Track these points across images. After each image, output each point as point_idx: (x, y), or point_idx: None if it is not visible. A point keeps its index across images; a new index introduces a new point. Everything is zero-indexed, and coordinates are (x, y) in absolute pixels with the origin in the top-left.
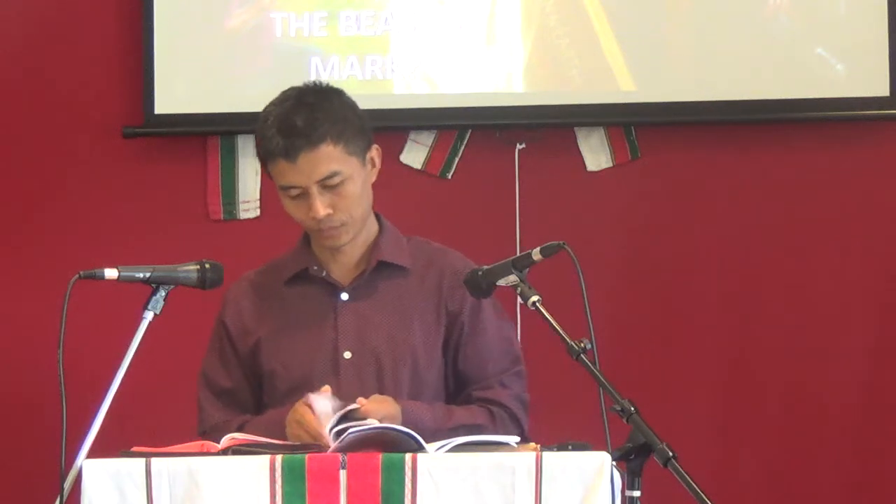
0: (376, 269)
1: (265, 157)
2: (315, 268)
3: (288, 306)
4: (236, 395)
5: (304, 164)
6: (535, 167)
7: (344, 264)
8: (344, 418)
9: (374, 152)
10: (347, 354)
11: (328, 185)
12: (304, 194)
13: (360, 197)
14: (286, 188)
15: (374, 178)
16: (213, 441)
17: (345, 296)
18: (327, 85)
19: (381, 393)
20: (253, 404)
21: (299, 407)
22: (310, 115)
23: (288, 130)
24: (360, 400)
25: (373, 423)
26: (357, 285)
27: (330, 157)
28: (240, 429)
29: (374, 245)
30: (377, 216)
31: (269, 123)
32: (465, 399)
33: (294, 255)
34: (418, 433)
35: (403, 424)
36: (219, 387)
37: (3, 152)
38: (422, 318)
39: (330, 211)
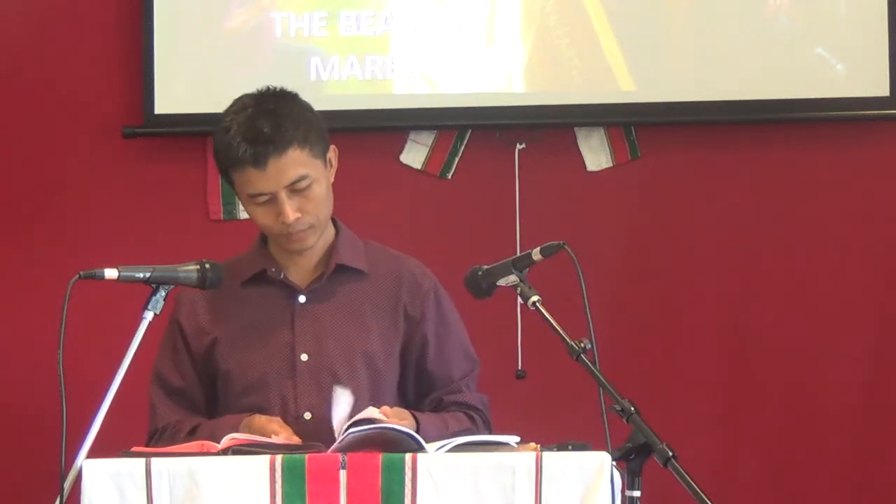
0: (334, 273)
1: (230, 166)
2: (273, 269)
3: (245, 307)
4: (188, 395)
5: (272, 170)
6: (535, 167)
7: (302, 267)
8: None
9: (332, 153)
10: (304, 357)
11: (296, 188)
12: (272, 200)
13: (325, 198)
14: (254, 195)
15: (332, 179)
16: (165, 441)
17: (302, 298)
18: (282, 89)
19: None
20: (205, 404)
21: (264, 422)
22: (274, 120)
23: (254, 138)
24: (385, 409)
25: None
26: (315, 288)
27: (297, 162)
28: (193, 431)
29: (332, 248)
30: (333, 220)
31: (234, 132)
32: (437, 403)
33: (251, 256)
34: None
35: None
36: (171, 386)
37: (3, 152)
38: (379, 322)
39: (299, 215)
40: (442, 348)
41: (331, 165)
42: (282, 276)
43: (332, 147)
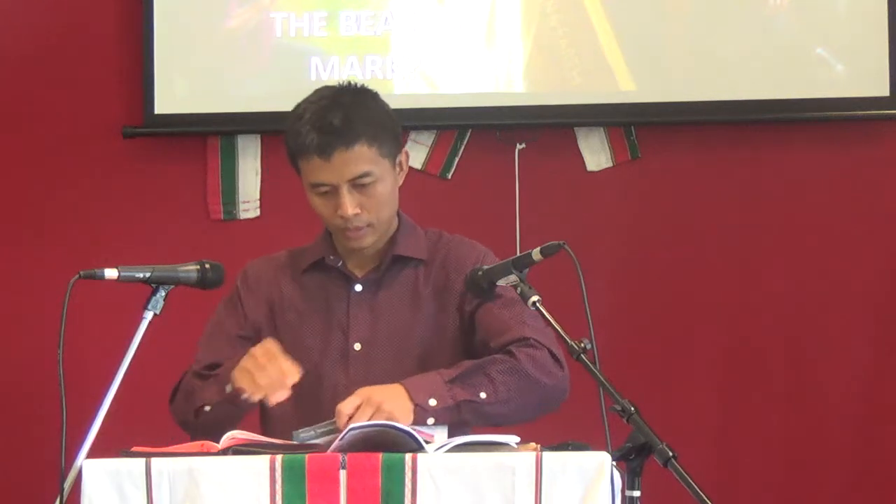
0: (392, 263)
1: (297, 153)
2: (332, 257)
3: (303, 293)
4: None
5: (338, 162)
6: (535, 167)
7: (361, 256)
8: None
9: (404, 156)
10: (357, 346)
11: (359, 184)
12: (334, 192)
13: (388, 199)
14: (316, 185)
15: (401, 182)
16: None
17: (358, 287)
18: (363, 86)
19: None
20: None
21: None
22: (346, 114)
23: (324, 128)
24: (341, 408)
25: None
26: (371, 278)
27: (364, 158)
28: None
29: (392, 240)
30: (397, 213)
31: (305, 120)
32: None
33: (314, 244)
34: (422, 391)
35: (409, 389)
36: (232, 335)
37: (3, 152)
38: (433, 310)
39: (358, 211)
40: (487, 307)
41: (401, 169)
42: (339, 265)
43: (405, 150)
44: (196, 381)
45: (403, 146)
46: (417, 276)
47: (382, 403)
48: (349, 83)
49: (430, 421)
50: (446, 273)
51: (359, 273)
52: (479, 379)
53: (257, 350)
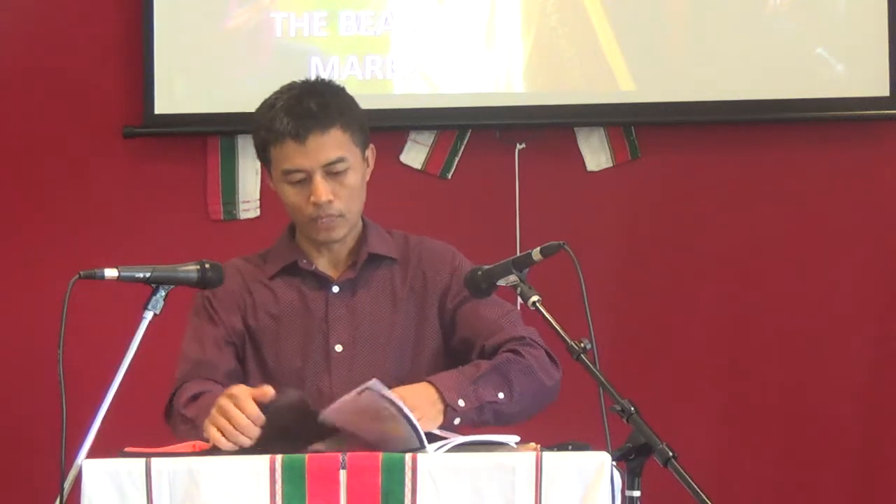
0: (365, 263)
1: (269, 140)
2: (304, 261)
3: (276, 298)
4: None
5: (312, 146)
6: (535, 167)
7: (331, 258)
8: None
9: (370, 152)
10: (339, 348)
11: (333, 171)
12: (307, 180)
13: (359, 190)
14: (289, 172)
15: (367, 178)
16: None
17: (336, 289)
18: (330, 80)
19: None
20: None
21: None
22: (321, 100)
23: (299, 112)
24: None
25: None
26: (348, 278)
27: (339, 143)
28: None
29: (362, 240)
30: (361, 217)
31: (278, 108)
32: (480, 353)
33: (279, 248)
34: (453, 391)
35: (441, 389)
36: (219, 338)
37: (3, 152)
38: (411, 310)
39: (331, 198)
40: (469, 307)
41: (368, 164)
42: (313, 268)
43: (371, 146)
44: (182, 426)
45: (370, 141)
46: (393, 275)
47: (414, 408)
48: (317, 78)
49: (457, 421)
50: (423, 273)
51: (333, 274)
52: (497, 379)
53: (223, 400)
